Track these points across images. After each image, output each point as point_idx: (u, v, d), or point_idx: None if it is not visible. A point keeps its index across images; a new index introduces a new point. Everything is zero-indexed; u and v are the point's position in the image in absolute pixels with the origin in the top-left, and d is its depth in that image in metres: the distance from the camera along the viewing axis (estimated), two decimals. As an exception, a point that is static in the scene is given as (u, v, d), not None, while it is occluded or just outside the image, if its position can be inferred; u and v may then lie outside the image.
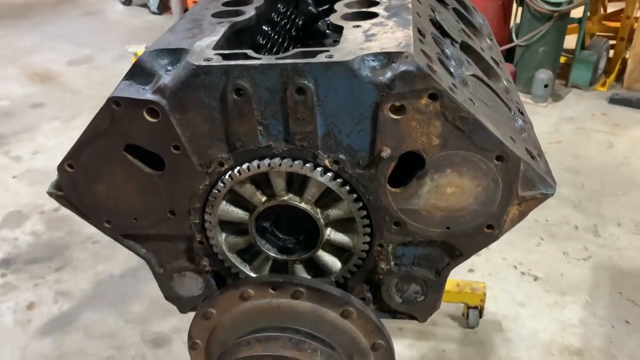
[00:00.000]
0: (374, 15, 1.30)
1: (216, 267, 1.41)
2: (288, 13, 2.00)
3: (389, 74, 1.09)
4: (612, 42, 5.81)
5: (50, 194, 1.36)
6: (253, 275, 1.39)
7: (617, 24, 5.80)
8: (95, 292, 3.60)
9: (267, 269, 1.39)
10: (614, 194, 4.26)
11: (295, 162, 1.21)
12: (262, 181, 1.27)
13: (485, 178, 1.16)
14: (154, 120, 1.19)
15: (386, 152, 1.15)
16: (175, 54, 1.21)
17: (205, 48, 1.20)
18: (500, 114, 1.29)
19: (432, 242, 1.29)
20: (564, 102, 5.55)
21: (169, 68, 1.20)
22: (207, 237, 1.35)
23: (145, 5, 8.45)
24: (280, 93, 1.14)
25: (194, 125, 1.20)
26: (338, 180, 1.22)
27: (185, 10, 7.75)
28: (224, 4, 1.48)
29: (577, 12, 5.40)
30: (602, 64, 5.70)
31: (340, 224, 1.30)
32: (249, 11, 1.41)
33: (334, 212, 1.27)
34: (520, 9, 5.49)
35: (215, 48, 1.21)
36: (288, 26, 1.96)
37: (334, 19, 1.32)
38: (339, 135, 1.17)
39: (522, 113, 1.44)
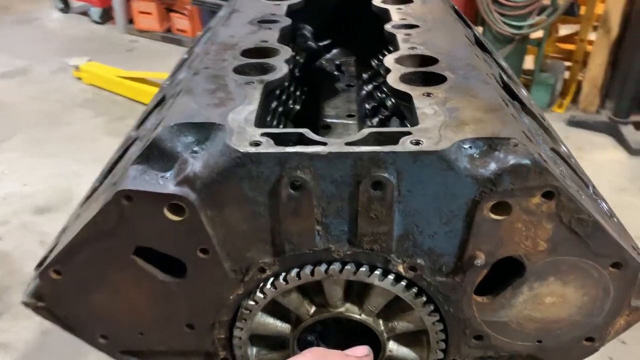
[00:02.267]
0: (442, 78, 1.07)
1: (242, 386, 1.13)
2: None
3: (492, 166, 0.86)
4: (567, 64, 5.88)
5: (26, 304, 1.03)
6: (288, 395, 1.12)
7: (571, 47, 5.87)
8: (40, 343, 3.15)
9: (306, 386, 1.12)
10: (583, 220, 4.23)
11: (360, 268, 0.95)
12: (311, 289, 1.00)
13: (595, 287, 0.95)
14: (179, 218, 0.90)
15: (481, 260, 0.91)
16: (203, 130, 0.93)
17: (244, 124, 0.92)
18: (591, 202, 1.08)
19: (516, 356, 1.07)
20: (525, 124, 5.54)
21: (196, 149, 0.92)
22: (233, 354, 1.07)
23: (85, 14, 7.83)
24: (350, 187, 0.88)
25: (231, 224, 0.92)
26: (413, 289, 0.97)
27: (130, 21, 7.25)
28: (244, 54, 1.20)
29: (535, 34, 5.42)
30: (558, 86, 5.75)
31: (407, 338, 1.05)
32: (280, 65, 1.14)
33: (402, 325, 1.02)
34: (481, 28, 5.45)
35: (255, 122, 0.93)
36: (291, 66, 1.70)
37: (391, 81, 1.08)
38: (420, 237, 0.92)
39: (593, 186, 1.25)
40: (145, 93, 5.52)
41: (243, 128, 0.91)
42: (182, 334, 1.04)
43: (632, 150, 4.98)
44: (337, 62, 1.85)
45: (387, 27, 1.34)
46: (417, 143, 0.86)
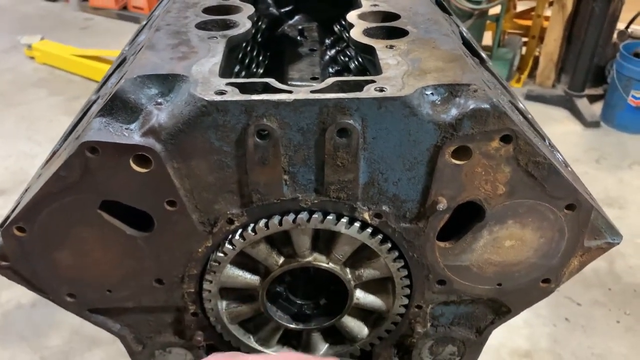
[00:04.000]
0: (404, 32, 1.09)
1: (212, 341, 1.14)
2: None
3: (453, 112, 0.88)
4: (524, 39, 6.00)
5: (-12, 264, 1.01)
6: (258, 347, 1.14)
7: (528, 22, 5.99)
8: (1, 324, 3.10)
9: (276, 339, 1.14)
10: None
11: (327, 217, 0.97)
12: (279, 239, 1.02)
13: (551, 229, 1.00)
14: (145, 170, 0.90)
15: (442, 204, 0.94)
16: (167, 82, 0.92)
17: (209, 75, 0.92)
18: (548, 150, 1.13)
19: (478, 300, 1.11)
20: (484, 98, 5.65)
21: (160, 100, 0.91)
22: (203, 307, 1.07)
23: (37, -10, 7.57)
24: (316, 135, 0.89)
25: (198, 175, 0.92)
26: (378, 236, 1.00)
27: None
28: (206, 11, 1.19)
29: (493, 10, 5.50)
30: (516, 61, 5.87)
31: (373, 285, 1.08)
32: (243, 21, 1.14)
33: (368, 272, 1.05)
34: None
35: (219, 73, 0.93)
36: (254, 32, 1.69)
37: (354, 35, 1.09)
38: (385, 184, 0.95)
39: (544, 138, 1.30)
40: (102, 71, 5.35)
41: (207, 79, 0.91)
42: (151, 290, 1.04)
43: (586, 123, 5.15)
44: (300, 28, 1.85)
45: None
46: (381, 90, 0.87)
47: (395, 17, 1.16)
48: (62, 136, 1.23)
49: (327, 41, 1.85)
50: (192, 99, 0.86)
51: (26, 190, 1.08)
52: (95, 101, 1.16)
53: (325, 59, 1.77)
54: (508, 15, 5.92)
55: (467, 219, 1.00)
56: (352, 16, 1.17)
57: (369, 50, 1.03)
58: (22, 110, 5.07)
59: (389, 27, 1.11)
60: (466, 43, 1.22)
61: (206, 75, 0.92)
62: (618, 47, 5.08)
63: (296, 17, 1.97)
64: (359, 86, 0.89)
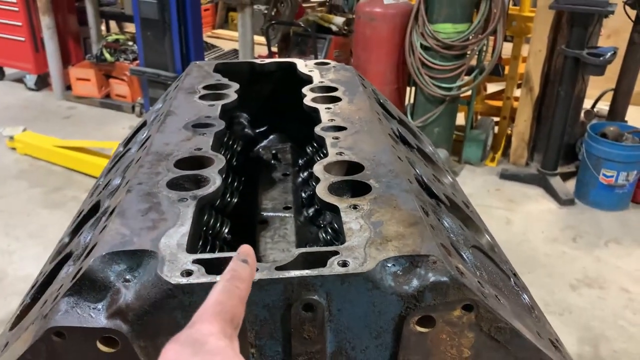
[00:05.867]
0: (367, 188, 1.13)
1: None
2: (229, 142, 1.78)
3: (415, 283, 0.91)
4: (495, 119, 6.22)
5: None
6: None
7: (499, 103, 6.23)
8: None
9: None
10: (520, 272, 4.39)
11: (296, 386, 0.97)
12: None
13: (519, 387, 1.01)
14: (111, 350, 0.90)
15: (410, 370, 0.95)
16: (135, 257, 0.94)
17: (177, 249, 0.95)
18: (512, 297, 1.16)
19: None
20: (461, 178, 5.77)
21: (128, 277, 0.93)
22: None
23: (20, 81, 7.68)
24: (282, 310, 0.91)
25: (165, 351, 0.92)
26: (348, 402, 1.00)
27: (68, 87, 7.16)
28: (178, 164, 1.23)
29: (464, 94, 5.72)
30: (489, 141, 6.05)
31: None
32: (213, 177, 1.18)
33: None
34: (413, 89, 5.71)
35: (187, 247, 0.96)
36: (229, 156, 1.74)
37: (320, 193, 1.13)
38: (352, 352, 0.96)
39: (514, 274, 1.33)
40: (83, 162, 5.43)
41: (175, 255, 0.93)
42: None
43: (561, 201, 5.26)
44: (274, 151, 1.91)
45: (317, 130, 1.41)
46: (344, 264, 0.90)
47: (359, 168, 1.22)
48: (32, 286, 1.23)
49: (300, 161, 1.90)
50: (158, 281, 0.88)
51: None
52: (67, 255, 1.17)
53: (297, 182, 1.82)
54: (479, 97, 6.16)
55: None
56: (318, 169, 1.21)
57: (334, 209, 1.07)
58: (1, 203, 5.04)
59: (353, 181, 1.16)
60: (426, 187, 1.27)
61: (174, 251, 0.94)
62: (586, 126, 5.29)
63: (271, 137, 2.04)
64: (323, 258, 0.92)
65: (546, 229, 5.00)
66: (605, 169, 5.03)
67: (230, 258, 0.93)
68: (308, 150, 1.86)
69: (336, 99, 1.61)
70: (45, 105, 7.20)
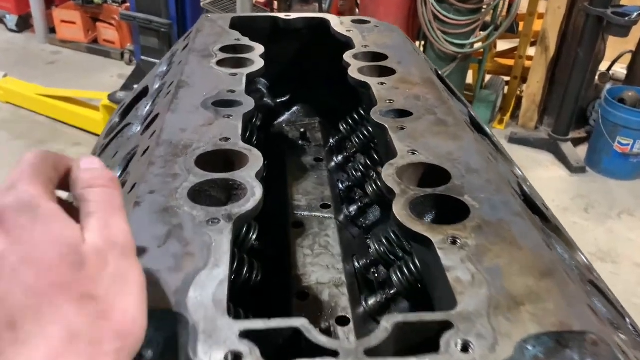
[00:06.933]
0: (465, 210, 0.83)
1: None
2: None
3: (564, 372, 0.63)
4: (506, 78, 5.88)
5: None
6: None
7: (509, 62, 5.88)
8: None
9: None
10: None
11: None
12: None
13: None
14: None
15: None
16: (150, 321, 0.64)
17: (214, 311, 0.65)
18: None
19: None
20: (468, 141, 5.49)
21: (141, 353, 0.63)
22: None
23: (1, 22, 7.10)
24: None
25: None
26: None
27: (52, 30, 6.59)
28: (200, 162, 0.91)
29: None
30: (498, 102, 5.74)
31: None
32: (251, 184, 0.86)
33: None
34: (422, 43, 5.32)
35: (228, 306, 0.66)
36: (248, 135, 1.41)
37: (402, 217, 0.82)
38: None
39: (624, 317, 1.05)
40: (70, 113, 5.02)
41: (213, 322, 0.63)
42: None
43: (572, 168, 5.02)
44: (302, 129, 1.58)
45: (375, 114, 1.09)
46: (466, 348, 0.61)
47: (444, 175, 0.91)
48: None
49: (332, 141, 1.59)
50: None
51: None
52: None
53: (331, 167, 1.51)
54: (489, 54, 5.80)
55: None
56: (389, 178, 0.89)
57: (425, 242, 0.77)
58: (-19, 156, 4.66)
59: (443, 196, 0.85)
60: (526, 197, 0.97)
61: (210, 313, 0.64)
62: (600, 89, 5.00)
63: (294, 109, 1.71)
64: (429, 333, 0.63)
65: (557, 197, 4.76)
66: (621, 136, 4.77)
67: (290, 329, 0.63)
68: (342, 128, 1.54)
69: (389, 71, 1.28)
70: (28, 48, 6.68)
